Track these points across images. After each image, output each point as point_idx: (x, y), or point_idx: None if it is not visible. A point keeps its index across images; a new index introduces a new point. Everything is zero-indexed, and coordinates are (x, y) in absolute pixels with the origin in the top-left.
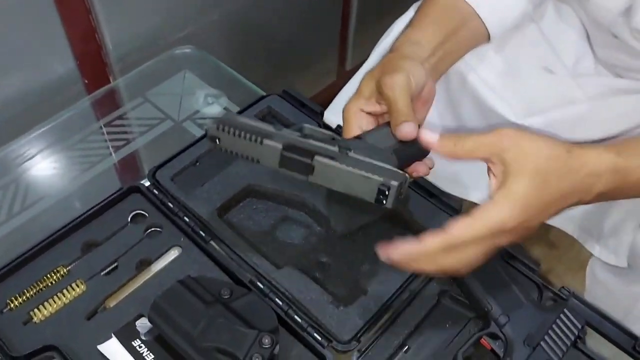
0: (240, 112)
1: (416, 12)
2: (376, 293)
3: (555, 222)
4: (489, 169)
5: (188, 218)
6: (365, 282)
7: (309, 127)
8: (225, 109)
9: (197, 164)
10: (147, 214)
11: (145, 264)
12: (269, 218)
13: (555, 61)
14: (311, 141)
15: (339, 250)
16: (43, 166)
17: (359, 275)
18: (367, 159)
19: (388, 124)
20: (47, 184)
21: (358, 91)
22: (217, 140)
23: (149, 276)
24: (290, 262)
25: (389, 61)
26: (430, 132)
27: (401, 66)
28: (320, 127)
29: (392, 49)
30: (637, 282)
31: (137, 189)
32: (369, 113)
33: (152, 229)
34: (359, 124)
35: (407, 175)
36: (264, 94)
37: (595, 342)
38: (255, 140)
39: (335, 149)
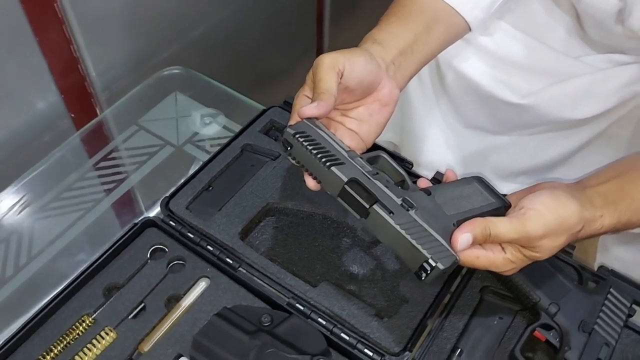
0: (244, 129)
1: (386, 12)
2: (417, 299)
3: None
4: None
5: (211, 246)
6: (403, 289)
7: (384, 157)
8: (224, 127)
9: (210, 188)
10: (167, 248)
11: (173, 300)
12: (292, 235)
13: (548, 39)
14: (378, 183)
15: (369, 260)
16: (42, 212)
17: (395, 283)
18: (426, 226)
19: (475, 179)
20: (51, 230)
21: (306, 79)
22: (289, 147)
23: (180, 313)
24: (324, 278)
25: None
26: (463, 235)
27: (341, 51)
28: (393, 159)
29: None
30: None
31: (153, 223)
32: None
33: (175, 262)
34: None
35: (457, 257)
36: (261, 107)
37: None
38: (324, 164)
39: (399, 200)
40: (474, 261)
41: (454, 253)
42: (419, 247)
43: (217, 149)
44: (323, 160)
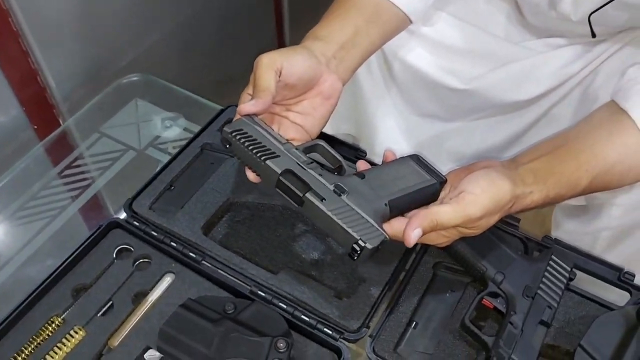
0: (203, 129)
1: (327, 10)
2: (374, 278)
3: None
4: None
5: (175, 243)
6: (362, 270)
7: (322, 145)
8: (185, 129)
9: (172, 187)
10: (132, 247)
11: (140, 296)
12: (254, 227)
13: (489, 26)
14: (311, 171)
15: (329, 246)
16: (9, 222)
17: (354, 265)
18: (357, 209)
19: (411, 158)
20: (18, 239)
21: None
22: (227, 145)
23: (147, 307)
24: (285, 265)
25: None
26: (414, 231)
27: (279, 50)
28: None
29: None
30: (594, 220)
31: (117, 224)
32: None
33: (141, 260)
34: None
35: (386, 236)
36: (220, 107)
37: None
38: (260, 158)
39: (331, 187)
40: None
41: (383, 232)
42: (349, 230)
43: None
44: (258, 155)
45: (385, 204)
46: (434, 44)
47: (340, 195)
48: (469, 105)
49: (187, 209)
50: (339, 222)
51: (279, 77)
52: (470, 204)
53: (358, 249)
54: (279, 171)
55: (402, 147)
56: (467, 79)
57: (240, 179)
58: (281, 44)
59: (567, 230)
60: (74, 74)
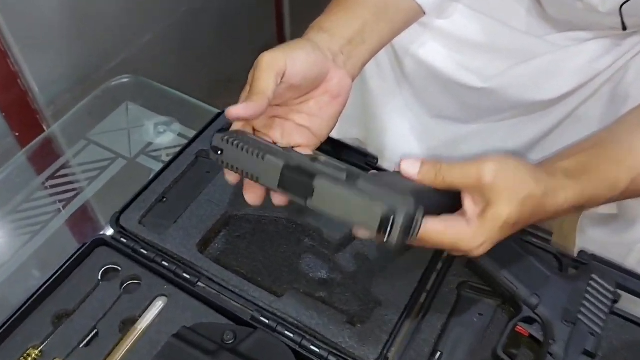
0: (198, 134)
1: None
2: (391, 301)
3: None
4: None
5: (167, 262)
6: (376, 291)
7: (324, 157)
8: (179, 135)
9: (164, 199)
10: (119, 267)
11: (129, 323)
12: (255, 243)
13: (508, 19)
14: (318, 165)
15: (339, 263)
16: None
17: (368, 285)
18: (374, 185)
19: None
20: None
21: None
22: (219, 152)
23: (136, 336)
24: (290, 286)
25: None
26: (412, 162)
27: (281, 47)
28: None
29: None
30: (628, 230)
31: (103, 242)
32: None
33: (129, 282)
34: None
35: (421, 206)
36: (217, 111)
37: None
38: (258, 155)
39: (343, 175)
40: (438, 237)
41: (416, 202)
42: (373, 202)
43: None
44: (256, 152)
45: (410, 194)
46: (449, 38)
47: (355, 181)
48: (488, 105)
49: (181, 223)
50: (359, 197)
51: (282, 78)
52: (484, 164)
53: (390, 218)
54: (282, 163)
55: (414, 151)
56: (485, 77)
57: (239, 189)
58: (282, 42)
59: (595, 239)
60: (59, 76)
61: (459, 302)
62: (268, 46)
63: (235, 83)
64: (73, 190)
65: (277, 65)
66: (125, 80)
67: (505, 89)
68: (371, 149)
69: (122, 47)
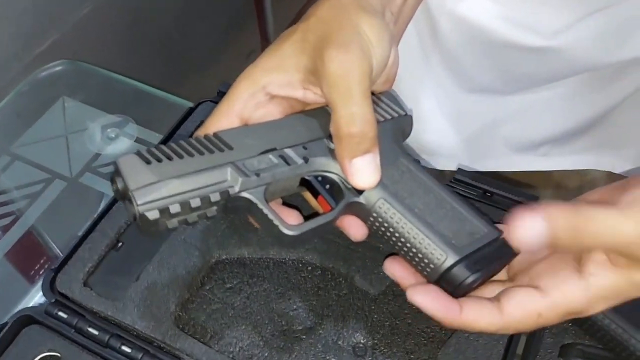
0: (167, 138)
1: None
2: None
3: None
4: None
5: (129, 345)
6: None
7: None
8: (137, 140)
9: (120, 245)
10: (58, 354)
11: None
12: (256, 299)
13: None
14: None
15: (379, 322)
16: None
17: (425, 355)
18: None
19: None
20: None
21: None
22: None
23: None
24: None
25: (334, 19)
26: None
27: (357, 34)
28: None
29: None
30: None
31: (31, 319)
32: (283, 98)
33: None
34: (248, 112)
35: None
36: (188, 104)
37: None
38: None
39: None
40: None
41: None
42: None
43: None
44: None
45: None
46: None
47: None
48: (547, 72)
49: (146, 280)
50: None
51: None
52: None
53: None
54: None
55: (445, 135)
56: (549, 33)
57: (228, 222)
58: (261, 12)
59: None
60: None
61: None
62: (244, 19)
63: (205, 64)
64: (9, 215)
65: (368, 76)
66: (58, 68)
67: (573, 48)
68: None
69: (52, 25)
